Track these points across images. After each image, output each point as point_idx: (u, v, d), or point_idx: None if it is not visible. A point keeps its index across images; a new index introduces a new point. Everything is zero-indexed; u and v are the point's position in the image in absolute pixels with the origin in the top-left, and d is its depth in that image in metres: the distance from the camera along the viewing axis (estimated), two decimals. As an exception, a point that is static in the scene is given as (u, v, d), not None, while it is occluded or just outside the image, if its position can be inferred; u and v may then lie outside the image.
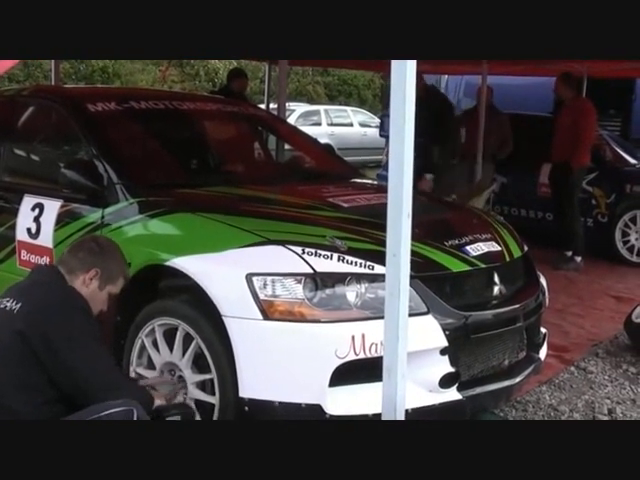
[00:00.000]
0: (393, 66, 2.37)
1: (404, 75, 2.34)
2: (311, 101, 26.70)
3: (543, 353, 4.57)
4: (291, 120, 15.06)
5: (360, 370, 3.44)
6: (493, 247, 4.26)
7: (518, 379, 4.18)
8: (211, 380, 3.68)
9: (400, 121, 2.32)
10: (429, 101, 7.79)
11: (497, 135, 9.54)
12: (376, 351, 3.40)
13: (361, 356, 3.45)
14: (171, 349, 3.84)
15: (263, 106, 10.84)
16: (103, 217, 4.25)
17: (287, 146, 6.57)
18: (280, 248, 3.65)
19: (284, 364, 3.52)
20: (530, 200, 9.72)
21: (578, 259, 8.66)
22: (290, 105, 15.70)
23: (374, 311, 3.48)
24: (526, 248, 4.65)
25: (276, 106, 7.70)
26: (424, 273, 3.72)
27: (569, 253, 8.71)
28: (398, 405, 2.38)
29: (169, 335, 3.86)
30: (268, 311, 3.50)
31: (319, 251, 3.63)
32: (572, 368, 5.58)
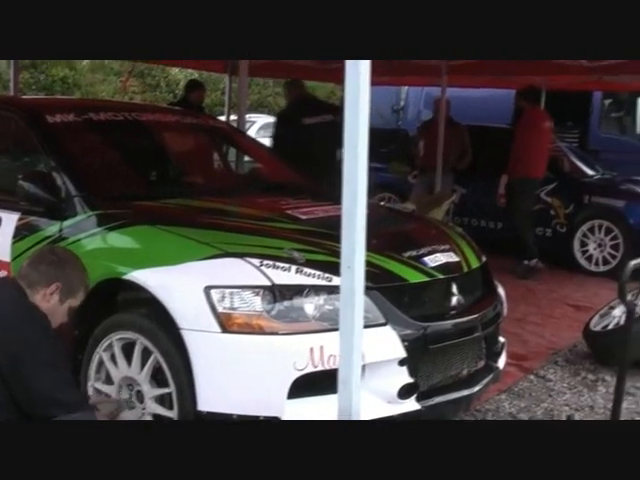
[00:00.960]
0: (347, 67, 2.31)
1: (357, 76, 2.29)
2: (272, 113, 26.66)
3: (502, 362, 4.61)
4: (252, 132, 15.01)
5: (319, 382, 3.44)
6: (451, 258, 4.29)
7: (477, 388, 4.22)
8: (169, 394, 3.66)
9: (354, 126, 2.24)
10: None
11: (456, 146, 9.63)
12: (334, 363, 3.38)
13: (319, 368, 3.46)
14: (129, 363, 3.81)
15: (224, 118, 10.84)
16: (61, 230, 4.21)
17: (247, 158, 6.58)
18: (238, 260, 3.65)
19: (242, 377, 3.51)
20: (489, 211, 9.81)
21: (533, 261, 8.76)
22: (251, 117, 15.65)
23: (332, 323, 3.47)
24: (484, 258, 4.69)
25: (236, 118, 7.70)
26: (382, 284, 3.75)
27: (526, 261, 8.83)
28: (353, 417, 2.38)
29: (127, 349, 3.83)
30: (226, 324, 3.50)
31: (277, 263, 3.64)
32: (531, 376, 5.64)
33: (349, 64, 2.27)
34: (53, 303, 3.40)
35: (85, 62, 24.06)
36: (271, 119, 22.30)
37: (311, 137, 7.78)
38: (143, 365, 3.75)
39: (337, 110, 8.38)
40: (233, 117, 8.96)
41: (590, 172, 10.01)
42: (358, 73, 2.27)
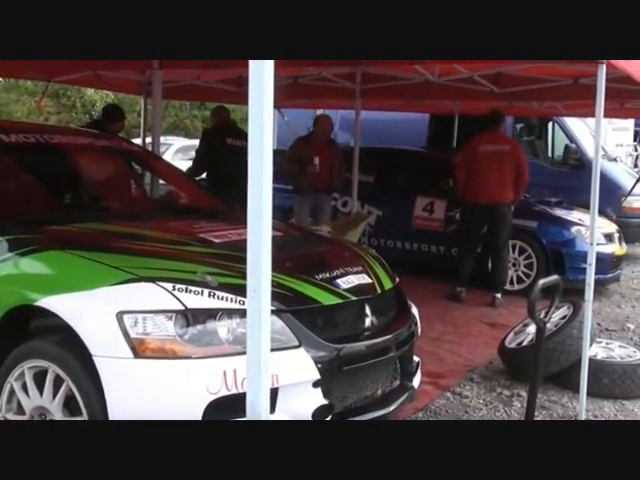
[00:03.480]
0: (251, 67, 2.25)
1: (262, 78, 2.23)
2: (189, 135, 26.44)
3: (417, 381, 4.67)
4: (168, 155, 14.83)
5: (233, 405, 3.40)
6: (364, 279, 4.35)
7: (392, 407, 4.27)
8: (82, 422, 3.61)
9: (258, 144, 2.19)
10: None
11: (333, 165, 9.33)
12: (248, 386, 3.41)
13: (233, 391, 3.46)
14: (41, 392, 3.75)
15: (139, 140, 10.74)
16: None
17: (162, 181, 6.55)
18: (151, 285, 3.63)
19: (156, 402, 3.48)
20: (405, 232, 9.95)
21: (459, 289, 8.86)
22: (167, 139, 15.49)
23: (245, 346, 3.48)
24: (397, 279, 4.76)
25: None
26: (295, 307, 3.78)
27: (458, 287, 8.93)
28: (264, 439, 2.39)
29: (39, 378, 3.76)
30: (139, 349, 3.47)
31: (190, 287, 3.63)
32: (448, 394, 5.74)
33: (253, 64, 2.21)
34: None
35: (-2, 81, 23.58)
36: (188, 142, 22.11)
37: (230, 157, 8.21)
38: (55, 394, 3.69)
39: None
40: (149, 139, 8.89)
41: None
42: (262, 71, 2.20)
